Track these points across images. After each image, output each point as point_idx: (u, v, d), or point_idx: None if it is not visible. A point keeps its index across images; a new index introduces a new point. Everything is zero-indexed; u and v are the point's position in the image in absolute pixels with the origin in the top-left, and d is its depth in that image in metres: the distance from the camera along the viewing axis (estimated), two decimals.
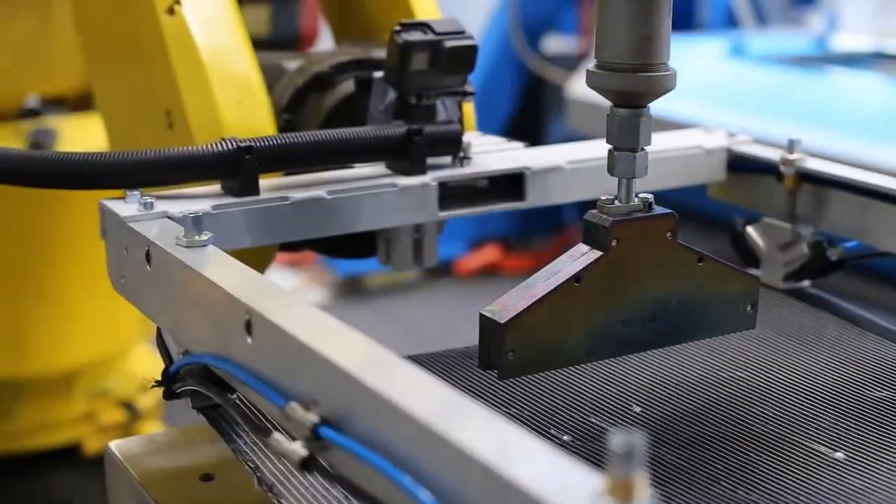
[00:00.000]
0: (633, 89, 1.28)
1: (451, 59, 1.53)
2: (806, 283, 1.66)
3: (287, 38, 3.05)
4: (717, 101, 4.32)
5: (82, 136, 3.02)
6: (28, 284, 3.09)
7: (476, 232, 5.51)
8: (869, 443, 1.28)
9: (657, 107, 1.31)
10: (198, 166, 1.42)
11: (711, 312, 1.37)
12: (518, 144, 1.70)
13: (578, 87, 4.69)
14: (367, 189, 1.50)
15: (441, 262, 5.40)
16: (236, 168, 1.43)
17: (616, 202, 1.31)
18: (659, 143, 1.68)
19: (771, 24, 5.66)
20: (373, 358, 0.97)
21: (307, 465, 0.99)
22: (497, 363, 1.26)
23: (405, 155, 1.53)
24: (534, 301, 1.25)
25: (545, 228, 5.64)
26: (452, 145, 1.57)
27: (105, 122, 1.90)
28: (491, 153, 1.64)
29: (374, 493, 0.92)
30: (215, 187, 1.46)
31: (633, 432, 0.74)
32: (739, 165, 1.73)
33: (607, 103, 1.31)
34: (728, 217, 1.73)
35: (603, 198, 1.31)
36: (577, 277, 1.27)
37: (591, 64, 1.30)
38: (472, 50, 1.55)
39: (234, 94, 1.61)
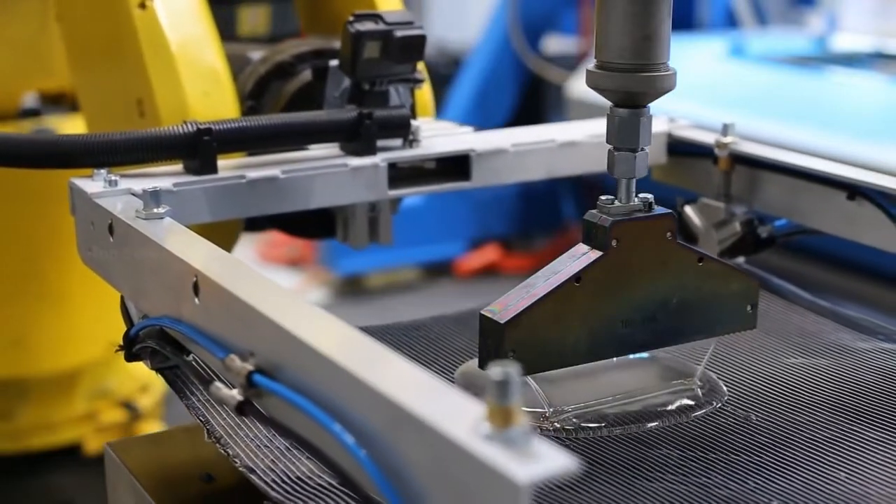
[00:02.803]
0: (634, 89, 1.28)
1: (402, 47, 1.59)
2: (741, 259, 1.69)
3: (286, 38, 3.08)
4: (716, 102, 4.33)
5: None
6: (29, 285, 3.08)
7: (476, 232, 5.52)
8: (778, 405, 1.37)
9: (657, 107, 1.33)
10: (160, 147, 1.50)
11: (711, 312, 1.37)
12: (467, 129, 1.76)
13: (578, 87, 4.71)
14: (320, 169, 1.57)
15: (441, 262, 5.43)
16: (196, 149, 1.50)
17: (616, 202, 1.32)
18: (603, 127, 1.73)
19: (771, 24, 5.66)
20: (303, 313, 1.05)
21: (242, 408, 1.06)
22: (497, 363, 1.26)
23: (356, 137, 1.60)
24: (534, 301, 1.26)
25: (545, 228, 5.66)
26: (401, 128, 1.63)
27: (83, 109, 1.98)
28: (440, 137, 1.71)
29: (300, 431, 0.99)
30: (178, 167, 1.54)
31: (509, 364, 0.79)
32: (679, 149, 1.77)
33: (607, 103, 1.32)
34: (670, 198, 1.76)
35: (603, 198, 1.32)
36: (577, 277, 1.28)
37: (591, 64, 1.31)
38: (421, 39, 1.61)
39: (202, 85, 1.69)
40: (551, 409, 1.32)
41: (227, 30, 2.52)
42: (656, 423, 1.31)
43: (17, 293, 3.10)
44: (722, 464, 1.23)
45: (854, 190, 1.52)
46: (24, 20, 2.96)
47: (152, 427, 3.27)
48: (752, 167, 1.66)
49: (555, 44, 5.72)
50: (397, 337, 1.56)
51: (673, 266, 1.34)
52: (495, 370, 0.80)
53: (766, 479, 1.19)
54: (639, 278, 1.32)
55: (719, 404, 1.36)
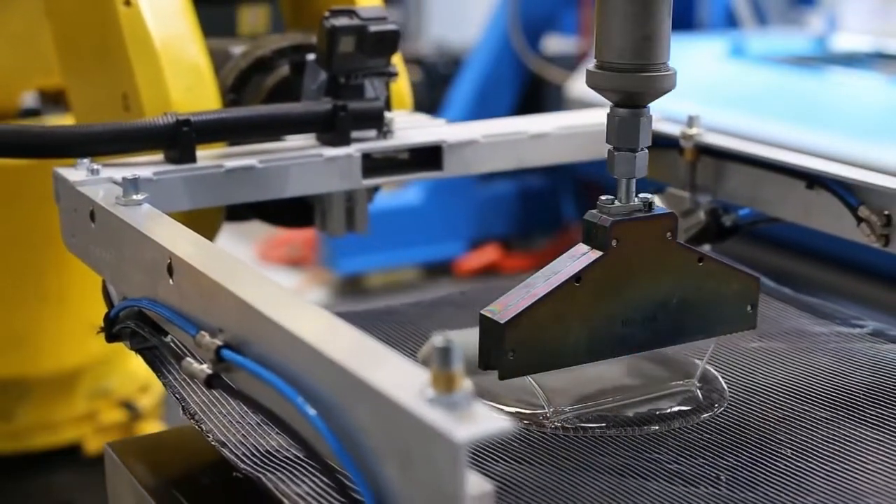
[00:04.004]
0: (634, 89, 1.29)
1: (375, 42, 1.64)
2: (707, 247, 1.71)
3: None
4: (716, 101, 4.34)
5: None
6: (29, 284, 3.08)
7: (476, 232, 5.54)
8: (731, 386, 1.41)
9: (657, 106, 1.34)
10: (141, 137, 1.55)
11: (711, 312, 1.38)
12: (440, 121, 1.80)
13: (578, 87, 4.73)
14: (295, 158, 1.61)
15: (441, 262, 5.45)
16: (175, 139, 1.55)
17: (616, 202, 1.32)
18: (572, 120, 1.79)
19: (771, 24, 5.67)
20: (267, 290, 1.09)
21: (211, 382, 1.10)
22: (497, 363, 1.25)
23: (331, 128, 1.64)
24: (534, 301, 1.26)
25: (545, 228, 5.68)
26: (375, 120, 1.68)
27: (71, 104, 2.02)
28: (414, 128, 1.75)
29: (266, 403, 1.04)
30: (158, 157, 1.59)
31: (448, 332, 0.84)
32: None
33: (607, 103, 1.33)
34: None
35: (603, 198, 1.33)
36: (577, 277, 1.28)
37: (590, 64, 1.32)
38: (395, 34, 1.66)
39: (185, 80, 1.73)
40: (551, 409, 1.33)
41: (227, 29, 2.55)
42: (656, 424, 1.32)
43: (17, 293, 3.09)
44: (673, 440, 1.27)
45: (812, 179, 1.54)
46: (24, 18, 2.98)
47: (152, 427, 3.26)
48: (716, 158, 1.69)
49: (555, 44, 5.74)
50: (370, 321, 1.61)
51: (673, 266, 1.34)
52: (438, 338, 0.84)
53: (715, 455, 1.23)
54: (639, 278, 1.32)
55: (721, 408, 1.36)
